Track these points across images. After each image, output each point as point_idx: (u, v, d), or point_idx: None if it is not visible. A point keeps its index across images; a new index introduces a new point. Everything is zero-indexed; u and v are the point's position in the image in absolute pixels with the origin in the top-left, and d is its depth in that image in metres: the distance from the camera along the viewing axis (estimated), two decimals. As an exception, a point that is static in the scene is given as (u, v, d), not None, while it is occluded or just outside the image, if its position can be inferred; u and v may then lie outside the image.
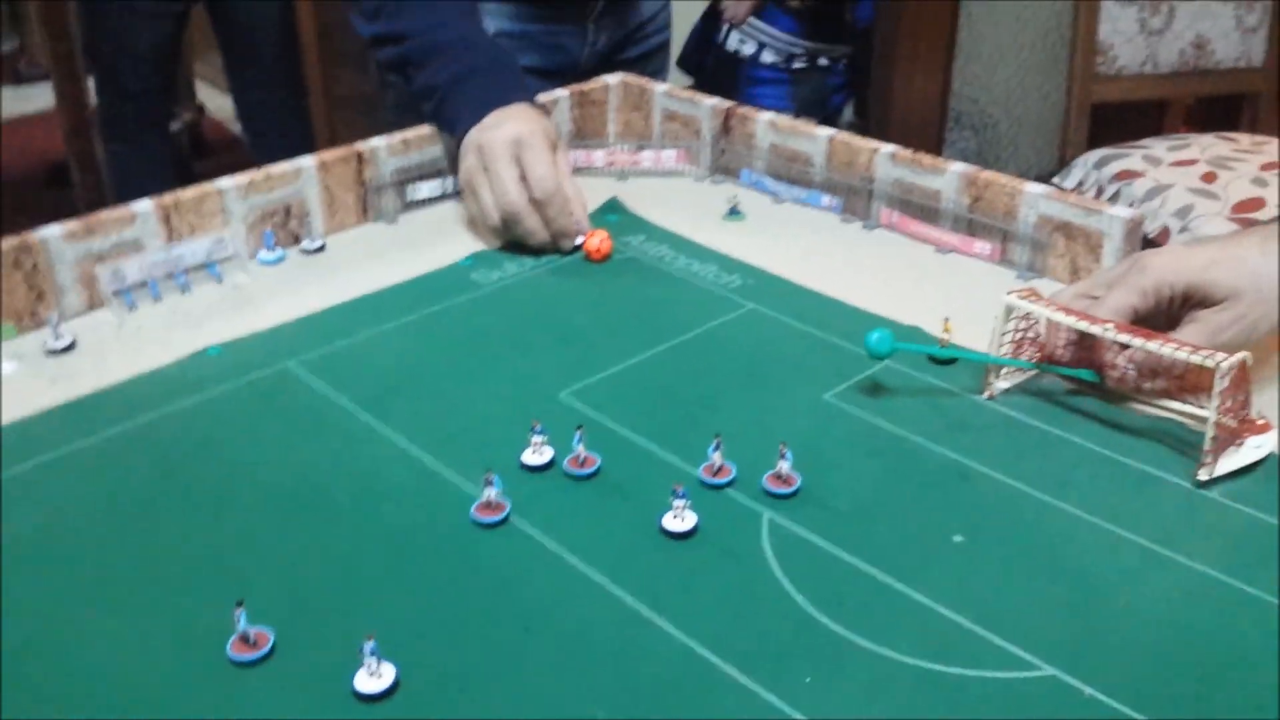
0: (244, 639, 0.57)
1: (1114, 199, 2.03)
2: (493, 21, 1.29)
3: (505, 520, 0.67)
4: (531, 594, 0.62)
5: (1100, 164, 2.13)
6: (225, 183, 0.96)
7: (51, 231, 0.88)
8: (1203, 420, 0.71)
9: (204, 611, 0.60)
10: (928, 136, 2.42)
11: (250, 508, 0.68)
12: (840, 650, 0.58)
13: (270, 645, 0.57)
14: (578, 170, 1.14)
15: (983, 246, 0.99)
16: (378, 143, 1.06)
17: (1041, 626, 0.59)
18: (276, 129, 2.47)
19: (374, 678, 0.54)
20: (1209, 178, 2.00)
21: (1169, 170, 2.04)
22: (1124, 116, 2.30)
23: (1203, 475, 0.70)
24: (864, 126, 2.58)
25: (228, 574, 0.63)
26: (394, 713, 0.54)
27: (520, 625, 0.59)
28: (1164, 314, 0.78)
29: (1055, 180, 2.16)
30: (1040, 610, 0.60)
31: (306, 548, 0.65)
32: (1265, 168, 2.02)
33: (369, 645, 0.54)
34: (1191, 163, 2.06)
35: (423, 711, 0.54)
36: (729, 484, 0.70)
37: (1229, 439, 0.72)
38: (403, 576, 0.63)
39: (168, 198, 0.93)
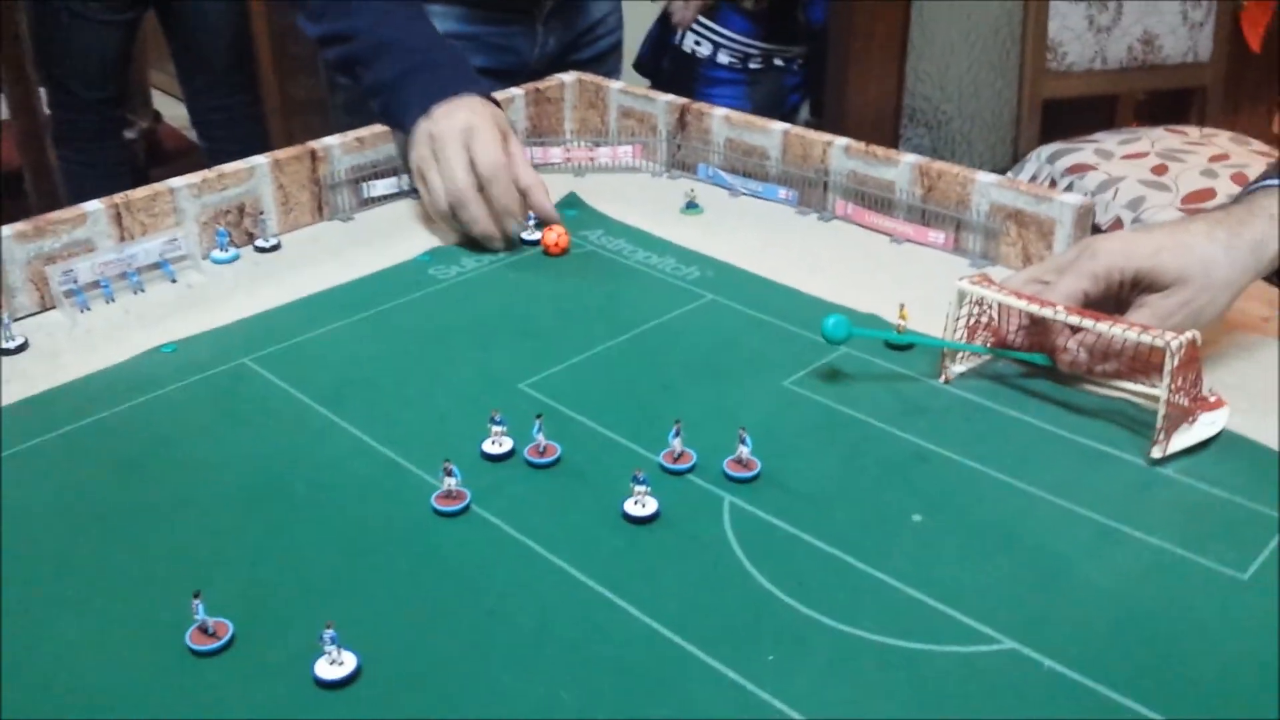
0: (203, 629, 0.56)
1: (1067, 192, 2.05)
2: (441, 24, 1.28)
3: (466, 509, 0.66)
4: (494, 581, 0.61)
5: (1053, 159, 2.15)
6: (177, 182, 0.95)
7: (0, 232, 0.87)
8: (1155, 399, 0.72)
9: (163, 604, 0.59)
10: (883, 134, 2.44)
11: (208, 502, 0.68)
12: (803, 629, 0.58)
13: (230, 635, 0.57)
14: (535, 166, 1.14)
15: (936, 235, 1.00)
16: (332, 141, 1.05)
17: (1000, 602, 0.60)
18: (231, 135, 2.45)
19: (335, 665, 0.54)
20: (1160, 170, 2.03)
21: (1120, 163, 2.07)
22: (1075, 112, 2.33)
23: (1156, 453, 0.71)
24: (820, 126, 2.59)
25: (187, 567, 0.62)
26: (356, 700, 0.54)
27: (483, 611, 0.59)
28: (1114, 299, 0.79)
29: (1009, 175, 2.18)
30: (999, 586, 0.61)
31: (266, 540, 0.65)
32: (1214, 159, 2.06)
33: (328, 633, 0.54)
34: (1142, 155, 2.09)
35: (386, 698, 0.54)
36: (690, 470, 0.70)
37: (1181, 417, 0.73)
38: (363, 566, 0.63)
39: (118, 197, 0.92)
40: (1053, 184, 2.11)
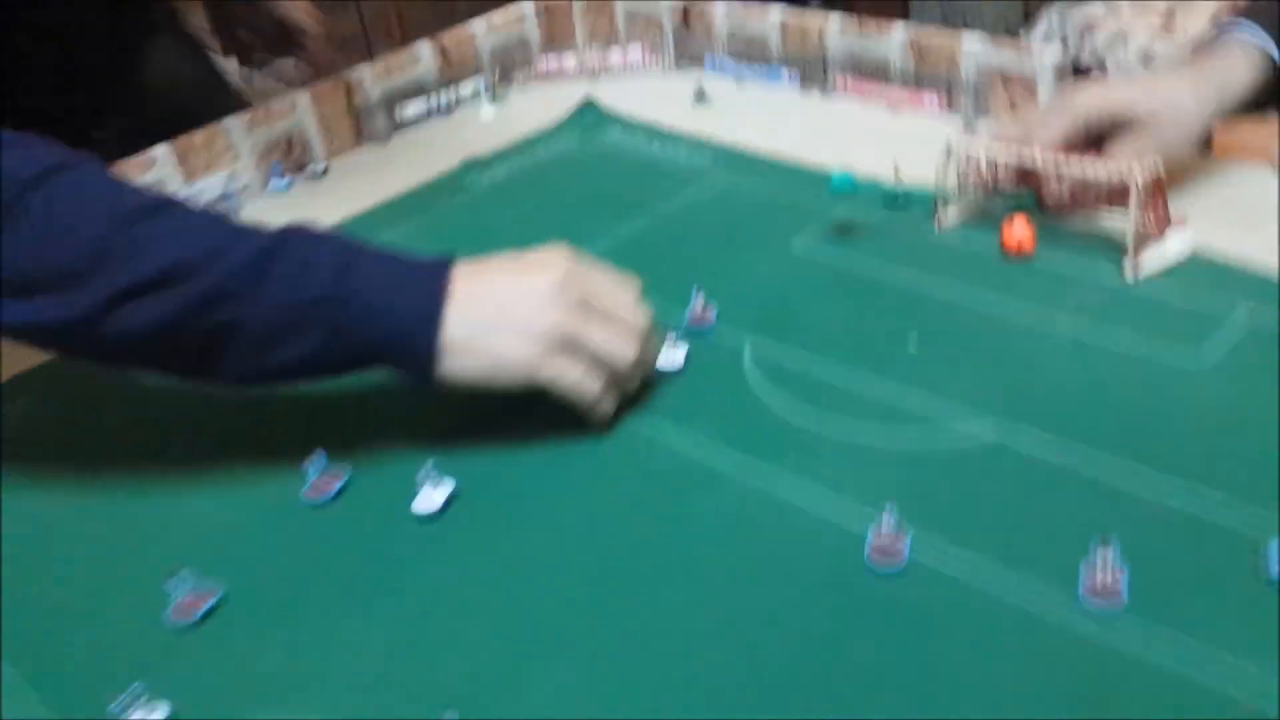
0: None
1: (1079, 48, 2.08)
2: None
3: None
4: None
5: (1063, 16, 2.18)
6: (230, 122, 1.05)
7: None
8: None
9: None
10: (892, 6, 2.47)
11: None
12: (812, 443, 0.67)
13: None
14: (550, 76, 1.22)
15: (931, 98, 1.07)
16: (363, 70, 1.14)
17: (984, 406, 0.68)
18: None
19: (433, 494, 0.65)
20: (1167, 17, 2.06)
21: (1130, 17, 2.09)
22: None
23: (1129, 274, 0.79)
24: (831, 5, 2.61)
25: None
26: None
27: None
28: (1093, 141, 0.87)
29: (1021, 34, 2.21)
30: (983, 394, 0.69)
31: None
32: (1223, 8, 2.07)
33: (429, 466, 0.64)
34: (1150, 4, 2.11)
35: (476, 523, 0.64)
36: (712, 327, 0.79)
37: (1151, 240, 0.80)
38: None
39: (181, 141, 1.01)
40: (1065, 41, 2.14)
